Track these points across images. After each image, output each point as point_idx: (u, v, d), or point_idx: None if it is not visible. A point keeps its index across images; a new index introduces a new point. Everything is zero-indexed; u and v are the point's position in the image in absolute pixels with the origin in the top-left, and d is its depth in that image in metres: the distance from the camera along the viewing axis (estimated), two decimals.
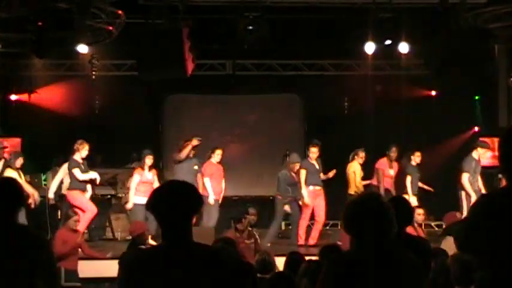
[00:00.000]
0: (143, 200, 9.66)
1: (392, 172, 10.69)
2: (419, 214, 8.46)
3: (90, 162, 10.97)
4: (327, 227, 12.92)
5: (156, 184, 9.91)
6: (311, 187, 10.11)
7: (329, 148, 10.62)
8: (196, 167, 10.17)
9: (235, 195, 13.09)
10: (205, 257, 2.70)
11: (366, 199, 2.98)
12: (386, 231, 2.88)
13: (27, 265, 3.32)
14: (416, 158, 10.53)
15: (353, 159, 10.50)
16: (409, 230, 7.99)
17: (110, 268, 7.76)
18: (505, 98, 11.91)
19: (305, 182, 10.05)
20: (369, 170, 10.61)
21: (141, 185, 10.04)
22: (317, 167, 10.18)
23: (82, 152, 9.68)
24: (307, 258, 5.70)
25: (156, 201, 2.79)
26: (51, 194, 10.36)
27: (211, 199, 10.03)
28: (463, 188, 9.75)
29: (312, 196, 10.10)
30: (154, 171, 10.24)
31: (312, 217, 10.32)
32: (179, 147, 10.13)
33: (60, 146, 11.15)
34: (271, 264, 5.92)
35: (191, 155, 10.12)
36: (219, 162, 10.38)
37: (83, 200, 9.60)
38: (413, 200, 10.22)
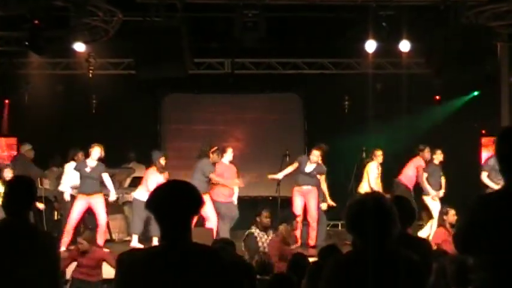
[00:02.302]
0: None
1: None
2: (453, 215, 8.48)
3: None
4: (328, 228, 12.93)
5: None
6: (297, 186, 10.19)
7: (330, 148, 10.61)
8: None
9: None
10: (204, 257, 2.70)
11: (368, 199, 2.97)
12: (388, 232, 2.88)
13: (38, 265, 3.38)
14: (439, 156, 10.62)
15: (371, 159, 10.62)
16: (442, 231, 8.14)
17: (107, 269, 7.78)
18: (507, 96, 11.91)
19: (288, 174, 10.22)
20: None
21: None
22: (311, 169, 10.23)
23: (93, 154, 9.90)
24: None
25: (156, 201, 2.78)
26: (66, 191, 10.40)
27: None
28: (487, 187, 9.85)
29: (298, 195, 10.16)
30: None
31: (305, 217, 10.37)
32: (205, 152, 10.15)
33: (56, 145, 11.14)
34: (270, 265, 5.94)
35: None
36: (231, 162, 10.47)
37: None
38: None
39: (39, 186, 11.12)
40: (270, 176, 10.59)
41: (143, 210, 9.40)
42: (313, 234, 10.16)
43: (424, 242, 4.55)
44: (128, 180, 11.86)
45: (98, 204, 9.87)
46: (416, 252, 3.15)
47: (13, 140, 12.22)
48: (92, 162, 9.84)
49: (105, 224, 10.00)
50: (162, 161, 10.13)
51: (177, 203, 2.72)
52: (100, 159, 9.89)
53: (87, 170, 9.80)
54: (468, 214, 3.08)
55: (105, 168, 9.97)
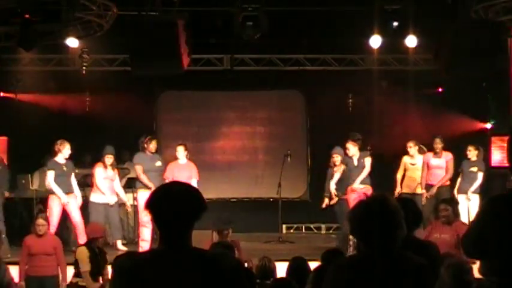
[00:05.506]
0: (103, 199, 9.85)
1: (436, 162, 10.45)
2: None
3: (78, 163, 11.01)
4: (331, 231, 12.97)
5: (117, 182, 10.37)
6: (352, 187, 9.97)
7: (333, 147, 10.63)
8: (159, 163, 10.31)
9: (234, 198, 13.11)
10: (202, 263, 2.71)
11: (373, 200, 2.99)
12: (394, 235, 2.90)
13: None
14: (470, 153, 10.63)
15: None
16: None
17: None
18: None
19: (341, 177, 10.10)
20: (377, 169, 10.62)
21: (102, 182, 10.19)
22: (355, 163, 10.05)
23: (64, 152, 9.80)
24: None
25: (156, 202, 2.75)
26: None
27: None
28: None
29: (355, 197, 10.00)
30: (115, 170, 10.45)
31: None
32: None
33: (48, 145, 11.14)
34: (271, 270, 5.96)
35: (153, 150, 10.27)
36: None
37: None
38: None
39: (30, 187, 11.16)
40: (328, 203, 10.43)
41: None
42: None
43: (432, 245, 4.56)
44: (123, 181, 11.86)
45: (72, 204, 9.88)
46: (424, 256, 3.17)
47: (3, 140, 12.23)
48: (62, 160, 9.90)
49: (81, 223, 9.89)
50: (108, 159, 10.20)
51: (177, 206, 2.70)
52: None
53: (64, 168, 9.85)
54: (478, 217, 3.11)
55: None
